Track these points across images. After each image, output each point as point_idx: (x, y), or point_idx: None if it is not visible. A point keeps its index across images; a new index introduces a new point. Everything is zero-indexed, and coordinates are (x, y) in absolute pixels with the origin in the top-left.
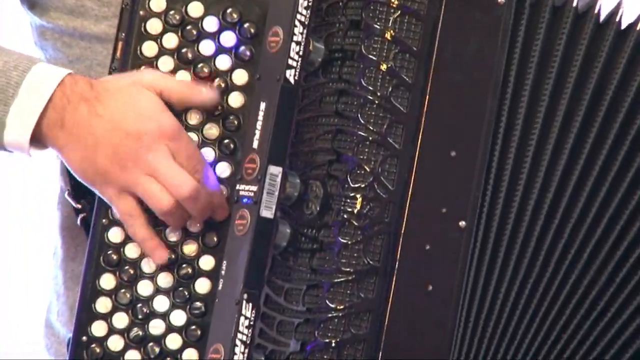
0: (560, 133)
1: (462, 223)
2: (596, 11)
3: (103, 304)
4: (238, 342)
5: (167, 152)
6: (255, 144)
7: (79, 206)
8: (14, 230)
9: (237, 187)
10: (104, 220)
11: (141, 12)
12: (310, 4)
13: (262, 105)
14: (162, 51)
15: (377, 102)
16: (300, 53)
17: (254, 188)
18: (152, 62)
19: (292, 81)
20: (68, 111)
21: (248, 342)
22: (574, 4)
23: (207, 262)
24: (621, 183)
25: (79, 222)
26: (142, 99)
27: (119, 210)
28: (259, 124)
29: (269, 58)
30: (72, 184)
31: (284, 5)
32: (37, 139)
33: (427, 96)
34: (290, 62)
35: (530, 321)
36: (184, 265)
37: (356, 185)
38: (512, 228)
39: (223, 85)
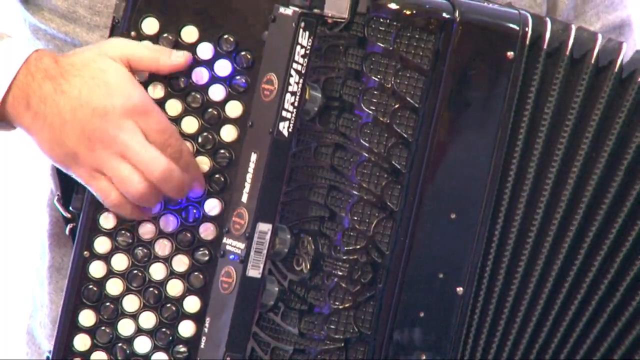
0: (572, 196)
1: (460, 289)
2: (617, 65)
3: (82, 341)
4: None
5: (136, 128)
6: (244, 198)
7: (69, 215)
8: None
9: (225, 240)
10: (85, 253)
11: (132, 34)
12: (307, 52)
13: (253, 157)
14: (153, 77)
15: (373, 159)
16: (296, 104)
17: (242, 245)
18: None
19: (286, 133)
20: (33, 89)
21: None
22: (593, 57)
23: (192, 304)
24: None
25: (67, 231)
26: (109, 72)
27: (95, 192)
28: (249, 177)
29: (262, 107)
30: (62, 189)
31: (279, 51)
32: (3, 119)
33: (428, 155)
34: (284, 113)
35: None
36: (168, 305)
37: (349, 249)
38: (514, 297)
39: (216, 117)
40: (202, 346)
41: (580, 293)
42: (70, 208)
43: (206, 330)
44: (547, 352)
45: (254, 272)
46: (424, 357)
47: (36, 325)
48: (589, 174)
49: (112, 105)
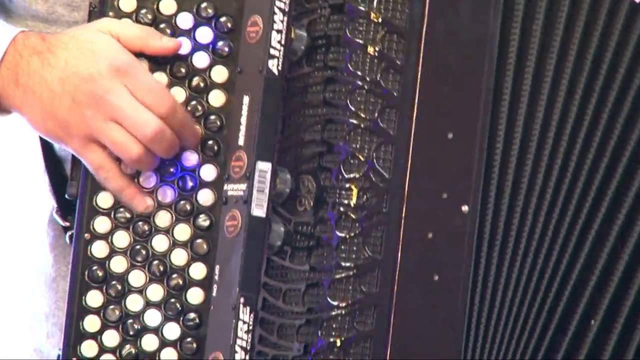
0: (566, 100)
1: (465, 208)
2: None
3: (91, 323)
4: (238, 349)
5: (125, 90)
6: (241, 141)
7: (67, 224)
8: None
9: (225, 187)
10: (86, 235)
11: (110, 13)
12: None
13: (246, 100)
14: (137, 53)
15: (366, 87)
16: (282, 42)
17: (243, 186)
18: None
19: (276, 72)
20: (21, 67)
21: (248, 347)
22: None
23: (198, 271)
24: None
25: (67, 239)
26: (96, 42)
27: (89, 164)
28: (243, 120)
29: (249, 49)
30: (59, 201)
31: None
32: None
33: (419, 77)
34: (272, 51)
35: (540, 308)
36: (174, 276)
37: (350, 176)
38: (521, 209)
39: (202, 84)
40: (214, 294)
41: (588, 200)
42: (68, 217)
43: (217, 278)
44: (561, 262)
45: (258, 211)
46: (436, 278)
47: (42, 339)
48: (577, 82)
49: (98, 69)
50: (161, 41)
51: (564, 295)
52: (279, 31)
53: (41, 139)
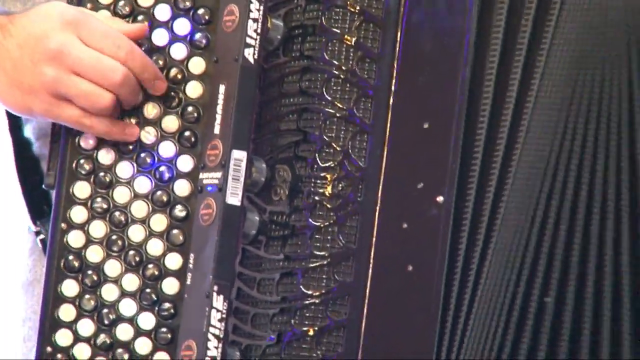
0: (539, 91)
1: (440, 198)
2: None
3: (66, 312)
4: (211, 337)
5: (78, 41)
6: (216, 129)
7: (37, 229)
8: None
9: (201, 175)
10: (62, 225)
11: (88, 5)
12: None
13: (222, 88)
14: None
15: (342, 76)
16: (258, 31)
17: (218, 175)
18: None
19: (252, 60)
20: None
21: (221, 336)
22: None
23: (173, 261)
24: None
25: (38, 242)
26: (51, 5)
27: (67, 121)
28: (219, 108)
29: (225, 38)
30: (29, 205)
31: None
32: None
33: (396, 67)
34: (248, 40)
35: (513, 299)
36: (150, 266)
37: (326, 165)
38: (492, 200)
39: (180, 75)
40: (188, 282)
41: (562, 190)
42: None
43: (191, 266)
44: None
45: (233, 200)
46: (410, 268)
47: (19, 342)
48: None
49: (50, 26)
50: (128, 25)
51: (537, 286)
52: (255, 20)
53: (14, 139)
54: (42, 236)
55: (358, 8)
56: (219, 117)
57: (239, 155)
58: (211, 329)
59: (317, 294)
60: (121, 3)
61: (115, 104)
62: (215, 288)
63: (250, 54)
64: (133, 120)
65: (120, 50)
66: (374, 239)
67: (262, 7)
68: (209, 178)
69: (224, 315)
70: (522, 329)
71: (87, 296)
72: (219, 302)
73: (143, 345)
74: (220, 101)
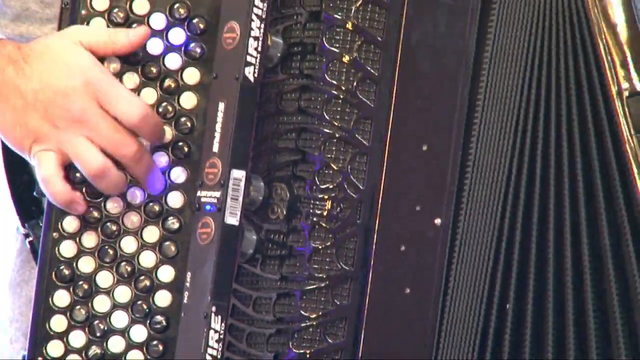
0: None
1: (438, 220)
2: None
3: (58, 323)
4: (208, 357)
5: (97, 107)
6: (215, 148)
7: (26, 231)
8: None
9: (199, 193)
10: (54, 234)
11: (83, 12)
12: None
13: (221, 106)
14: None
15: (342, 97)
16: (259, 49)
17: (217, 194)
18: None
19: (252, 79)
20: None
21: (219, 357)
22: None
23: (166, 273)
24: None
25: (27, 244)
26: (69, 54)
27: (40, 169)
28: (218, 126)
29: (225, 55)
30: (17, 207)
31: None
32: None
33: (395, 88)
34: (248, 59)
35: (509, 322)
36: (142, 278)
37: (324, 186)
38: (492, 223)
39: (174, 85)
40: (185, 301)
41: (550, 204)
42: (27, 225)
43: (188, 285)
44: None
45: (231, 220)
46: (408, 291)
47: (6, 343)
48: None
49: (72, 85)
50: (128, 37)
51: (530, 308)
52: (256, 38)
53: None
54: (30, 238)
55: (358, 28)
56: (217, 136)
57: (238, 175)
58: (209, 350)
59: (315, 316)
60: (116, 10)
61: (103, 174)
62: (214, 309)
63: (250, 73)
64: None
65: (134, 115)
66: (372, 262)
67: (263, 25)
68: (208, 197)
69: (221, 336)
70: (519, 350)
71: (78, 307)
72: (217, 323)
73: (134, 358)
74: (220, 119)
